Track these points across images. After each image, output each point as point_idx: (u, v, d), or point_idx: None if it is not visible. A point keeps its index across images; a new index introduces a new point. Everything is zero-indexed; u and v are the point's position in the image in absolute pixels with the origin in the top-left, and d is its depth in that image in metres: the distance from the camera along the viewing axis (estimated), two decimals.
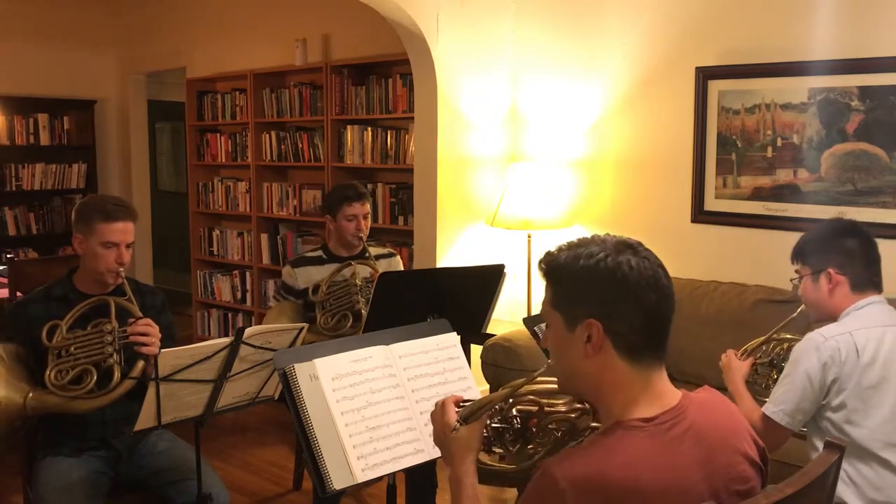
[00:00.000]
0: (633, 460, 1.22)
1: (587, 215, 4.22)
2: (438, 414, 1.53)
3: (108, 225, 2.43)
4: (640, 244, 1.32)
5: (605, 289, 1.27)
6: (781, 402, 2.08)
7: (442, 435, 1.52)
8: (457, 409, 1.53)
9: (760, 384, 2.40)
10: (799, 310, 2.35)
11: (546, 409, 1.56)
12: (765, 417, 2.11)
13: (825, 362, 2.04)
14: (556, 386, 1.53)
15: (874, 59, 3.27)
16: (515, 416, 1.56)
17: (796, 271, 2.27)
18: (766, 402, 2.25)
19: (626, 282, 1.26)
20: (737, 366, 2.38)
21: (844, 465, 1.97)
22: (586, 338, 1.29)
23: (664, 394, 1.32)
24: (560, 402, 1.57)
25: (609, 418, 1.32)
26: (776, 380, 2.34)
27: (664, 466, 1.24)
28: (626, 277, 1.26)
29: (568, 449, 1.40)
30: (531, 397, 1.56)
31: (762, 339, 2.45)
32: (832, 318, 2.16)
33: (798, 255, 2.27)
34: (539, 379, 1.54)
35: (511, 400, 1.55)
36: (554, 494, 1.20)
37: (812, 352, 2.06)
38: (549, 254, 1.36)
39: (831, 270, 2.15)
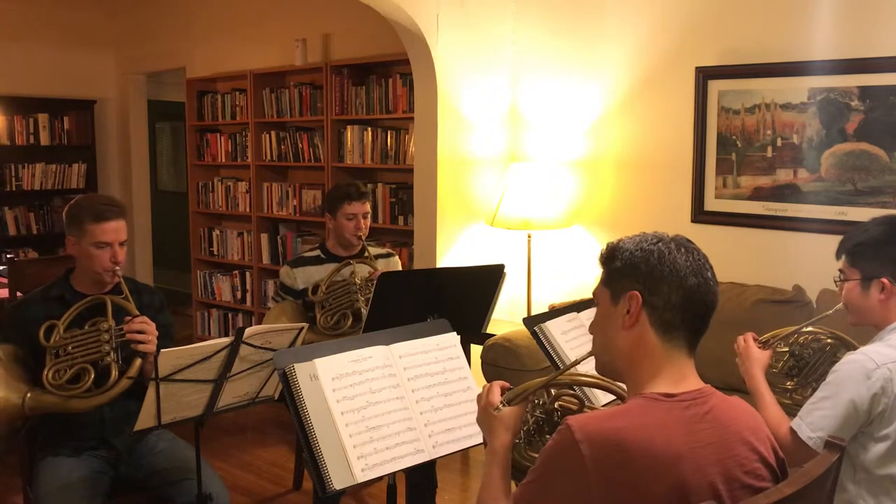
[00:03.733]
0: (649, 424, 1.29)
1: (587, 215, 4.22)
2: (484, 394, 1.61)
3: (100, 225, 2.43)
4: (691, 241, 1.43)
5: (651, 268, 1.38)
6: (820, 429, 1.89)
7: (485, 413, 1.59)
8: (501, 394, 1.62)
9: (775, 368, 2.23)
10: (835, 308, 2.16)
11: (586, 406, 1.62)
12: (796, 437, 1.93)
13: (875, 393, 1.85)
14: (593, 378, 1.60)
15: (874, 59, 3.27)
16: (557, 410, 1.63)
17: (840, 270, 2.06)
18: (783, 393, 2.16)
19: (673, 263, 1.37)
20: (756, 355, 2.17)
21: (867, 498, 1.90)
22: (626, 310, 1.40)
23: (689, 378, 1.39)
24: (602, 406, 1.63)
25: (634, 391, 1.41)
26: (792, 366, 2.25)
27: (678, 437, 1.29)
28: (674, 259, 1.37)
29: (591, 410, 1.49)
30: (572, 392, 1.63)
31: (789, 330, 2.25)
32: (877, 326, 2.00)
33: (847, 255, 2.04)
34: (577, 371, 1.62)
35: (553, 392, 1.63)
36: (570, 445, 1.27)
37: (861, 379, 1.86)
38: (609, 242, 1.48)
39: (885, 280, 1.96)
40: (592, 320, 1.51)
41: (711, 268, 1.41)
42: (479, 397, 1.63)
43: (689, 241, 1.43)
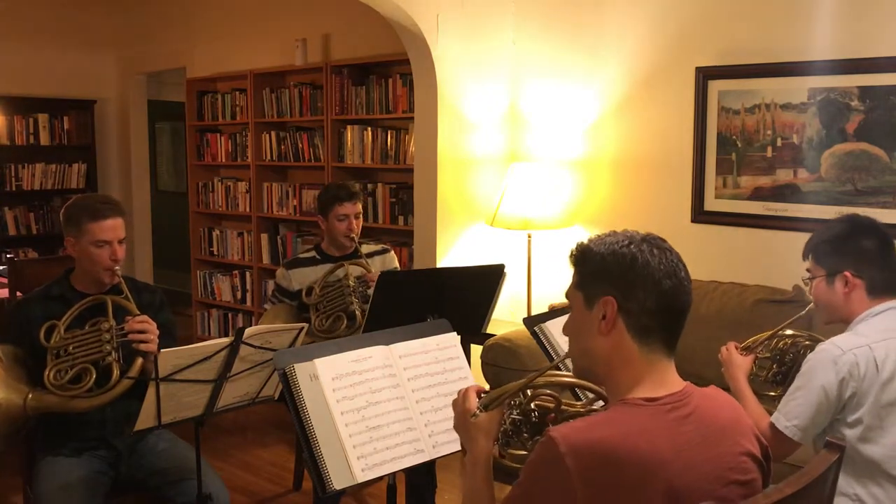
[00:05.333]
0: (633, 431, 1.27)
1: (587, 215, 4.22)
2: (460, 400, 1.59)
3: (98, 224, 2.42)
4: (664, 240, 1.41)
5: (624, 271, 1.36)
6: (795, 417, 1.97)
7: (462, 420, 1.57)
8: (478, 398, 1.59)
9: (760, 376, 2.29)
10: (807, 308, 2.24)
11: (563, 405, 1.61)
12: (774, 429, 2.00)
13: (843, 377, 1.92)
14: (570, 379, 1.59)
15: (874, 59, 3.27)
16: (534, 410, 1.61)
17: (808, 270, 2.14)
18: (769, 401, 2.19)
19: (646, 266, 1.35)
20: (738, 361, 2.26)
21: (855, 485, 1.94)
22: (602, 315, 1.37)
23: (669, 380, 1.37)
24: (578, 403, 1.64)
25: (615, 397, 1.39)
26: (776, 373, 2.29)
27: (663, 441, 1.28)
28: (647, 263, 1.35)
29: (573, 420, 1.48)
30: (548, 392, 1.61)
31: (767, 334, 2.32)
32: (846, 321, 2.07)
33: (812, 253, 2.12)
34: (555, 372, 1.61)
35: (529, 392, 1.61)
36: (554, 458, 1.25)
37: (829, 366, 1.94)
38: (579, 242, 1.46)
39: (847, 273, 2.03)
40: (566, 322, 1.48)
41: (685, 267, 1.39)
42: (455, 403, 1.61)
43: (661, 240, 1.40)
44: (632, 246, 1.36)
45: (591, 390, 1.62)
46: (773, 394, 2.28)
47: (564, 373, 1.64)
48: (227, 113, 5.76)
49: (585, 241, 1.44)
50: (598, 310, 1.38)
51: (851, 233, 2.08)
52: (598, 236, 1.43)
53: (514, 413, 1.61)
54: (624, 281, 1.35)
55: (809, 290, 2.16)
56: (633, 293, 1.35)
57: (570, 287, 1.46)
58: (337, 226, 3.32)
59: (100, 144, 6.85)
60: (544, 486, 1.28)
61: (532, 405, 1.61)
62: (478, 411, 1.54)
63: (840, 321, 2.09)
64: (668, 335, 1.38)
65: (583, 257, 1.42)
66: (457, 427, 1.60)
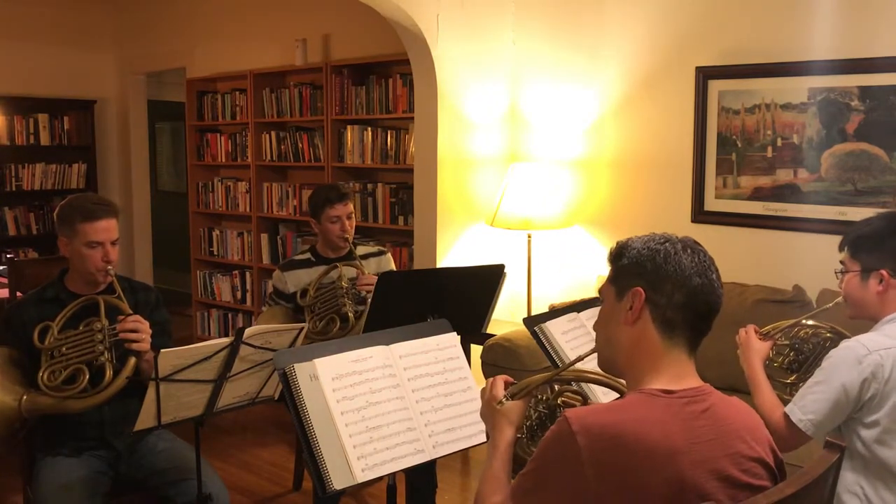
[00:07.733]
0: (647, 419, 1.30)
1: (587, 215, 4.22)
2: (488, 388, 1.63)
3: (91, 224, 2.41)
4: (699, 244, 1.45)
5: (656, 266, 1.40)
6: (811, 412, 1.94)
7: (488, 406, 1.61)
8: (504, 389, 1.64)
9: (776, 362, 2.27)
10: (835, 301, 2.20)
11: (589, 402, 1.64)
12: (789, 421, 1.98)
13: (866, 378, 1.89)
14: (597, 375, 1.62)
15: (874, 59, 3.27)
16: (560, 406, 1.65)
17: (841, 262, 2.09)
18: (781, 387, 2.18)
19: (678, 263, 1.39)
20: (757, 346, 2.20)
21: (864, 483, 1.93)
22: (629, 306, 1.42)
23: (688, 376, 1.40)
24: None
25: (633, 388, 1.43)
26: (792, 360, 2.27)
27: (676, 432, 1.29)
28: (679, 259, 1.40)
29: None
30: (574, 389, 1.65)
31: (788, 322, 2.27)
32: (874, 319, 2.04)
33: (849, 247, 2.07)
34: (581, 367, 1.64)
35: (556, 387, 1.65)
36: (566, 436, 1.29)
37: (853, 364, 1.91)
38: (619, 240, 1.50)
39: (885, 272, 1.99)
40: (597, 317, 1.52)
41: (717, 270, 1.43)
42: (483, 391, 1.65)
43: (696, 242, 1.45)
44: (667, 244, 1.42)
45: (614, 388, 1.63)
46: (788, 380, 2.26)
47: (591, 368, 1.66)
48: (227, 113, 5.76)
49: (624, 240, 1.49)
50: (626, 300, 1.42)
51: (894, 230, 2.02)
52: (637, 236, 1.48)
53: (541, 407, 1.65)
54: (654, 274, 1.40)
55: (840, 284, 2.12)
56: (661, 286, 1.39)
57: (604, 283, 1.50)
58: (330, 228, 3.31)
59: (100, 144, 6.84)
60: (555, 462, 1.32)
61: (559, 401, 1.65)
62: (504, 399, 1.58)
63: (868, 318, 2.06)
64: (693, 333, 1.41)
65: (620, 253, 1.47)
66: (482, 414, 1.64)
